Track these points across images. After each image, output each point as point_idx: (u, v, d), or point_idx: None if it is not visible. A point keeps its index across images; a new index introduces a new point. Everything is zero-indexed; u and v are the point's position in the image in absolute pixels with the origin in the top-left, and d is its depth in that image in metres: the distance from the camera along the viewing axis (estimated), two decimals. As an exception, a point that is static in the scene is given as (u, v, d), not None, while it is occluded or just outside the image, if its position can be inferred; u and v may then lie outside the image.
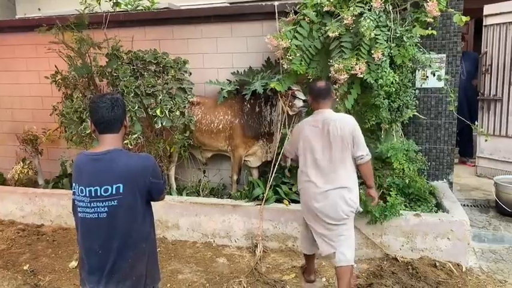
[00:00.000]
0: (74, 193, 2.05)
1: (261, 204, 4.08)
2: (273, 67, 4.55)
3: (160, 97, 4.24)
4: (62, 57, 4.52)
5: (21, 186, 5.26)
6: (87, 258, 2.06)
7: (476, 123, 5.44)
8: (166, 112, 4.20)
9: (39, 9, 8.31)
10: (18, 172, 5.41)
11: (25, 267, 3.86)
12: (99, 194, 1.97)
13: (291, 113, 4.26)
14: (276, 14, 4.39)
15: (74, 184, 2.06)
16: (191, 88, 4.47)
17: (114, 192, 1.97)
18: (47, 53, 4.51)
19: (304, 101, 4.13)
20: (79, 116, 4.37)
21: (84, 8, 4.67)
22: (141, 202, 2.04)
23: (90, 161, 2.03)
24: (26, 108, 5.74)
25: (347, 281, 2.95)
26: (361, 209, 3.08)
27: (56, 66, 4.66)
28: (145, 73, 4.32)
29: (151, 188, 2.04)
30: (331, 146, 2.91)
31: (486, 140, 4.88)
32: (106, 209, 1.97)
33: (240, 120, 4.55)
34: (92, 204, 1.98)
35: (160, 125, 4.21)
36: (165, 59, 4.38)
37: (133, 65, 4.31)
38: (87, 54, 4.51)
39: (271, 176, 4.12)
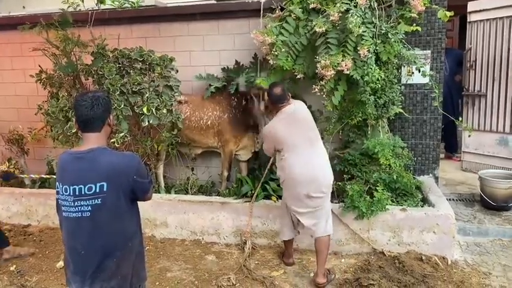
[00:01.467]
0: (57, 192, 2.04)
1: (249, 201, 4.09)
2: (261, 64, 4.55)
3: (147, 95, 4.21)
4: (47, 55, 4.47)
5: (7, 186, 5.19)
6: (72, 258, 2.05)
7: (460, 118, 5.51)
8: (153, 110, 4.18)
9: (23, 7, 8.17)
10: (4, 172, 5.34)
11: (11, 268, 3.82)
12: (83, 192, 1.96)
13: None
14: (261, 11, 4.40)
15: (57, 183, 2.05)
16: (178, 85, 4.44)
17: (97, 190, 1.96)
18: (32, 51, 4.46)
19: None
20: (65, 115, 4.33)
21: (68, 7, 4.61)
22: (125, 201, 2.03)
23: (74, 160, 2.02)
24: (11, 108, 5.67)
25: (326, 253, 3.35)
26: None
27: (40, 66, 4.60)
28: (132, 71, 4.29)
29: (135, 187, 2.03)
30: (302, 129, 3.31)
31: (470, 136, 4.94)
32: (90, 207, 1.97)
33: (229, 115, 4.59)
34: (76, 203, 1.97)
35: (147, 123, 4.19)
36: (151, 56, 4.35)
37: (119, 63, 4.28)
38: (72, 53, 4.46)
39: (264, 173, 4.12)
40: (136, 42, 4.69)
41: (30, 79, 4.72)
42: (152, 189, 2.17)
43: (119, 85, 4.09)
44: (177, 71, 4.52)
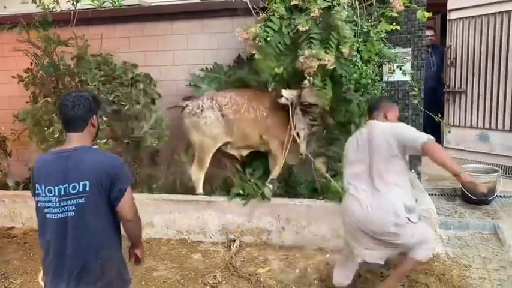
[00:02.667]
0: (37, 195, 2.02)
1: (235, 199, 4.12)
2: (244, 63, 4.58)
3: (126, 107, 4.26)
4: (28, 56, 4.44)
5: (-10, 189, 5.14)
6: (56, 261, 2.02)
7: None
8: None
9: (4, 7, 8.07)
10: (-13, 174, 5.29)
11: (-8, 272, 3.80)
12: (68, 192, 1.96)
13: None
14: (252, 9, 4.40)
15: (37, 185, 2.02)
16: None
17: (81, 189, 1.96)
18: (13, 52, 4.41)
19: None
20: (46, 119, 4.29)
21: (43, 9, 4.53)
22: (108, 202, 2.02)
23: (58, 159, 2.01)
24: (-7, 109, 5.60)
25: (406, 270, 2.92)
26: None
27: (30, 66, 4.54)
28: (114, 82, 4.31)
29: (112, 189, 2.00)
30: (371, 155, 2.78)
31: (449, 131, 5.00)
32: (74, 207, 1.96)
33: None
34: (62, 203, 1.96)
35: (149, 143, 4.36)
36: (134, 72, 4.42)
37: (100, 70, 4.28)
38: (54, 53, 4.43)
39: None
40: (119, 42, 4.70)
41: (12, 80, 4.67)
42: (131, 200, 2.07)
43: (100, 92, 4.12)
44: (155, 85, 4.60)
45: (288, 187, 4.44)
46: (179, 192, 4.52)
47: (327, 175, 4.06)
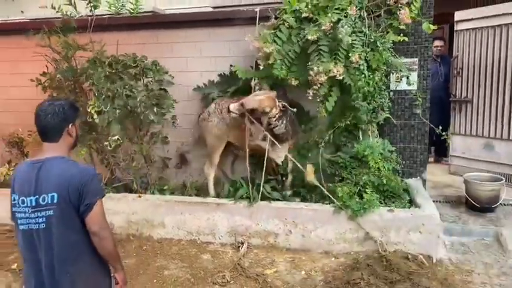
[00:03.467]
0: (14, 205, 1.98)
1: (243, 202, 4.25)
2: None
3: (139, 98, 4.39)
4: (48, 60, 4.61)
5: (7, 188, 5.30)
6: (30, 272, 2.00)
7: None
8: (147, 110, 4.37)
9: (22, 11, 8.32)
10: (4, 174, 5.44)
11: (13, 267, 3.95)
12: (38, 203, 1.92)
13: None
14: (258, 20, 4.57)
15: (13, 195, 1.98)
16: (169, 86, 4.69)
17: (49, 201, 1.92)
18: (33, 56, 4.59)
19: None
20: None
21: (63, 15, 4.72)
22: (77, 214, 1.97)
23: (31, 169, 1.96)
24: (11, 111, 5.78)
25: None
26: None
27: (46, 70, 4.71)
28: (125, 76, 4.46)
29: (80, 203, 1.94)
30: None
31: (447, 139, 4.83)
32: (44, 219, 1.93)
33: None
34: (33, 214, 1.93)
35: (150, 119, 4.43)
36: (143, 61, 4.56)
37: (113, 69, 4.44)
38: (73, 58, 4.61)
39: (262, 177, 4.29)
40: (135, 49, 4.85)
41: (30, 83, 4.84)
42: (100, 214, 1.99)
43: (105, 89, 4.26)
44: (167, 72, 4.71)
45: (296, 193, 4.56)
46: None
47: (315, 181, 4.20)
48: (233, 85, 4.78)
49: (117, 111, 4.31)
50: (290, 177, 4.68)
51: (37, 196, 1.93)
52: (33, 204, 1.93)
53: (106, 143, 4.34)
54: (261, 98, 4.12)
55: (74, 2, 4.54)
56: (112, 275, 2.17)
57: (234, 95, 4.71)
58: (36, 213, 1.93)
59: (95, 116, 4.27)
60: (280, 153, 4.43)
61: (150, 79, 4.56)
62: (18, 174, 2.03)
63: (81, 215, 1.97)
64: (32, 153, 5.60)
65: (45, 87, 4.74)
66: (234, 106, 4.15)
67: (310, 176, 4.26)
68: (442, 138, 4.46)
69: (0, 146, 5.63)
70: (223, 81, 4.93)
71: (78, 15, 4.76)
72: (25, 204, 1.94)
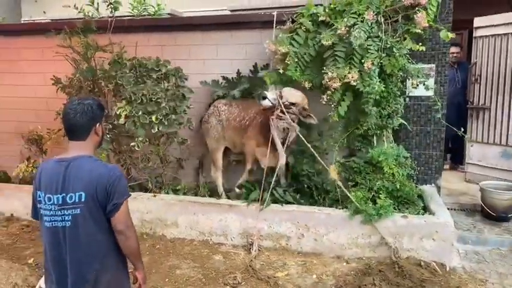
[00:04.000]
0: (39, 202, 1.99)
1: (256, 204, 4.27)
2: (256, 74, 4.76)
3: (163, 104, 4.44)
4: (68, 60, 4.72)
5: (25, 184, 5.43)
6: (53, 269, 2.02)
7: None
8: (160, 119, 4.40)
9: (44, 12, 8.52)
10: (22, 170, 5.57)
11: (30, 261, 4.04)
12: (65, 201, 1.94)
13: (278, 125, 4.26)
14: (275, 23, 4.60)
15: (39, 192, 1.99)
16: (189, 97, 4.70)
17: (76, 200, 1.94)
18: (54, 56, 4.70)
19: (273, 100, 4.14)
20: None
21: (84, 15, 4.84)
22: (104, 214, 2.00)
23: (58, 167, 1.98)
24: (31, 109, 5.90)
25: None
26: None
27: (68, 70, 4.81)
28: (148, 80, 4.52)
29: (107, 202, 1.97)
30: None
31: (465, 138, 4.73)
32: (70, 217, 1.95)
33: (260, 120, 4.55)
34: (60, 212, 1.95)
35: (156, 130, 4.42)
36: (167, 66, 4.60)
37: (136, 72, 4.51)
38: (92, 58, 4.70)
39: (273, 180, 4.31)
40: (153, 50, 4.93)
41: (50, 82, 4.95)
42: (126, 214, 2.04)
43: (140, 94, 4.32)
44: (186, 79, 4.76)
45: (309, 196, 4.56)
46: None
47: (340, 183, 4.18)
48: (239, 87, 4.82)
49: (147, 117, 4.37)
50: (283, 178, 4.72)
51: (64, 194, 1.94)
52: (60, 202, 1.94)
53: (133, 144, 4.41)
54: (302, 94, 4.22)
55: (97, 4, 4.64)
56: (130, 271, 2.21)
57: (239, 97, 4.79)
58: (62, 211, 1.95)
59: (122, 120, 4.33)
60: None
61: (172, 84, 4.61)
62: (44, 171, 2.02)
63: (108, 214, 1.99)
64: (51, 150, 5.72)
65: (65, 86, 4.84)
66: (271, 95, 4.16)
67: (334, 174, 4.23)
68: (453, 147, 4.38)
69: (19, 143, 5.75)
70: (234, 82, 4.95)
71: (99, 16, 4.87)
72: (51, 202, 1.95)
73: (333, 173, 4.22)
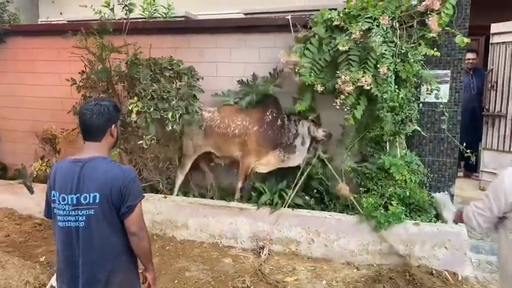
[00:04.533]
0: (53, 201, 2.00)
1: (266, 208, 4.26)
2: (276, 78, 4.74)
3: (173, 102, 4.46)
4: (83, 61, 4.77)
5: (38, 183, 5.50)
6: (66, 269, 2.03)
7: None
8: (177, 117, 4.42)
9: (61, 13, 8.64)
10: (36, 169, 5.65)
11: (41, 259, 4.09)
12: (79, 202, 1.95)
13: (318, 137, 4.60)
14: (291, 27, 4.59)
15: (53, 192, 2.00)
16: (199, 94, 4.70)
17: (91, 201, 1.95)
18: (70, 56, 4.75)
19: (324, 131, 4.55)
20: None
21: (100, 17, 4.91)
22: (118, 214, 2.00)
23: (73, 167, 1.99)
24: (46, 109, 5.97)
25: None
26: None
27: (84, 68, 4.87)
28: (162, 78, 4.55)
29: (122, 204, 1.98)
30: None
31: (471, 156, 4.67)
32: (84, 217, 1.95)
33: (259, 129, 4.63)
34: (73, 212, 1.95)
35: (170, 128, 4.42)
36: (179, 65, 4.63)
37: (151, 70, 4.54)
38: (107, 59, 4.75)
39: (294, 186, 4.34)
40: (167, 52, 4.96)
41: (65, 82, 5.01)
42: (139, 216, 2.05)
43: (151, 90, 4.34)
44: (202, 78, 4.78)
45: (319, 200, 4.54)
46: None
47: (351, 198, 4.17)
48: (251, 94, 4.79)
49: (158, 113, 4.39)
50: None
51: (78, 195, 1.95)
52: (74, 202, 1.95)
53: (141, 142, 4.42)
54: None
55: (113, 6, 4.69)
56: (140, 271, 2.21)
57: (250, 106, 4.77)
58: (76, 212, 1.96)
59: (134, 116, 4.36)
60: None
61: (184, 83, 4.64)
62: (58, 171, 2.03)
63: (121, 216, 2.00)
64: (64, 150, 5.79)
65: (80, 87, 4.89)
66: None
67: (344, 191, 4.22)
68: (467, 155, 4.30)
69: (34, 142, 5.83)
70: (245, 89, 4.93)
71: (114, 18, 4.92)
72: (65, 202, 1.96)
73: (344, 190, 4.21)
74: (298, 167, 4.56)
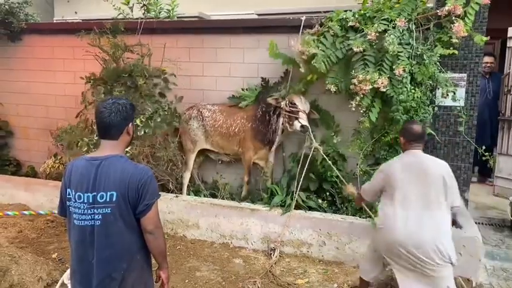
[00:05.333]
0: (69, 199, 2.00)
1: (278, 210, 4.25)
2: (285, 78, 4.73)
3: (138, 107, 4.45)
4: (97, 60, 4.80)
5: (51, 180, 5.54)
6: (80, 267, 2.02)
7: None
8: (144, 120, 4.43)
9: (75, 12, 8.74)
10: (49, 166, 5.70)
11: (53, 256, 4.12)
12: (96, 200, 1.95)
13: (289, 129, 4.51)
14: (302, 27, 4.57)
15: (69, 190, 2.00)
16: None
17: (108, 199, 1.94)
18: (84, 55, 4.79)
19: (302, 126, 4.32)
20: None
21: (118, 14, 4.95)
22: (134, 213, 2.00)
23: (90, 166, 1.99)
24: (60, 107, 6.04)
25: None
26: (455, 262, 2.83)
27: (99, 67, 4.90)
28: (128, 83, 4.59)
29: (138, 203, 1.98)
30: (425, 184, 2.84)
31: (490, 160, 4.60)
32: (100, 216, 1.95)
33: (252, 125, 4.73)
34: (89, 211, 1.95)
35: (143, 132, 4.43)
36: (135, 68, 4.62)
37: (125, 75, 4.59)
38: (121, 59, 4.77)
39: (296, 187, 4.30)
40: (180, 52, 4.98)
41: (79, 80, 5.04)
42: (156, 214, 2.04)
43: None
44: (174, 75, 4.78)
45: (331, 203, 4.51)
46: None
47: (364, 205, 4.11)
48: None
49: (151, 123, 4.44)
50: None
51: (95, 193, 1.95)
52: (90, 200, 1.95)
53: (128, 149, 4.43)
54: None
55: (133, 4, 4.71)
56: (153, 269, 2.21)
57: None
58: (92, 210, 1.95)
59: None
60: None
61: (142, 83, 4.64)
62: (74, 169, 2.02)
63: (138, 215, 2.00)
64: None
65: (94, 85, 4.91)
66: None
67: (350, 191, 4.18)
68: (485, 159, 4.25)
69: (48, 140, 5.89)
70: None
71: (133, 16, 4.95)
72: (81, 200, 1.96)
73: (350, 190, 4.17)
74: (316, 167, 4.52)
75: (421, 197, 2.83)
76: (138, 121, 4.38)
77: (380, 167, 3.16)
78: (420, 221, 2.79)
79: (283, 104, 4.49)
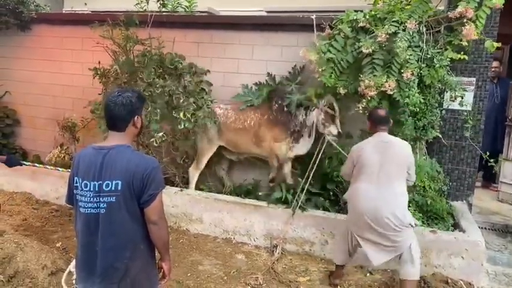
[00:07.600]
0: (76, 187, 2.03)
1: (281, 207, 4.26)
2: (296, 76, 4.72)
3: (181, 100, 4.49)
4: (108, 52, 4.81)
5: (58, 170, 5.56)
6: (84, 256, 2.05)
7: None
8: (188, 115, 4.45)
9: (85, 3, 8.74)
10: (55, 156, 5.73)
11: (58, 245, 4.15)
12: (102, 188, 1.97)
13: (320, 130, 4.48)
14: (314, 27, 4.57)
15: (76, 178, 2.03)
16: (210, 90, 4.77)
17: (113, 188, 1.96)
18: (94, 46, 4.80)
19: (339, 132, 4.41)
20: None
21: (136, 4, 4.93)
22: (138, 203, 2.01)
23: (97, 155, 2.02)
24: (68, 97, 6.05)
25: None
26: (413, 225, 3.22)
27: (110, 59, 4.91)
28: (167, 76, 4.59)
29: (143, 193, 1.99)
30: (387, 161, 3.21)
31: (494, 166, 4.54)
32: (105, 204, 1.97)
33: (269, 117, 4.69)
34: (95, 199, 1.98)
35: (183, 127, 4.46)
36: (181, 64, 4.66)
37: (159, 67, 4.57)
38: (131, 51, 4.78)
39: (307, 183, 4.31)
40: (189, 46, 4.99)
41: (88, 71, 5.05)
42: (160, 205, 2.05)
43: (158, 89, 4.39)
44: (209, 71, 4.84)
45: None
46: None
47: None
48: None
49: (158, 110, 4.42)
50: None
51: (101, 182, 1.97)
52: (96, 189, 1.97)
53: (152, 140, 4.46)
54: None
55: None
56: (156, 261, 2.23)
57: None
58: (98, 198, 1.97)
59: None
60: None
61: (188, 80, 4.67)
62: (82, 158, 2.06)
63: (142, 204, 2.01)
64: (83, 138, 5.85)
65: (102, 74, 4.93)
66: None
67: None
68: (490, 165, 4.24)
69: (54, 129, 5.91)
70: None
71: (148, 10, 4.96)
72: (88, 188, 1.98)
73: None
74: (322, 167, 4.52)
75: (385, 173, 3.19)
76: (181, 115, 4.42)
77: (352, 148, 3.49)
78: (381, 192, 3.16)
79: (320, 104, 4.46)
